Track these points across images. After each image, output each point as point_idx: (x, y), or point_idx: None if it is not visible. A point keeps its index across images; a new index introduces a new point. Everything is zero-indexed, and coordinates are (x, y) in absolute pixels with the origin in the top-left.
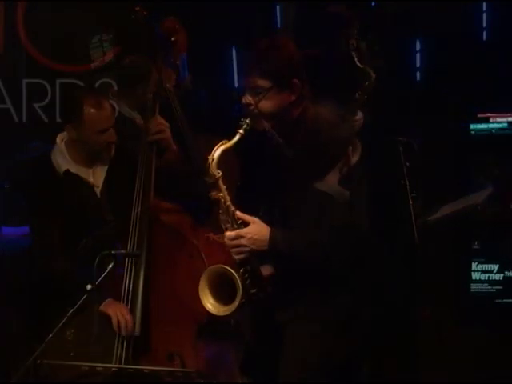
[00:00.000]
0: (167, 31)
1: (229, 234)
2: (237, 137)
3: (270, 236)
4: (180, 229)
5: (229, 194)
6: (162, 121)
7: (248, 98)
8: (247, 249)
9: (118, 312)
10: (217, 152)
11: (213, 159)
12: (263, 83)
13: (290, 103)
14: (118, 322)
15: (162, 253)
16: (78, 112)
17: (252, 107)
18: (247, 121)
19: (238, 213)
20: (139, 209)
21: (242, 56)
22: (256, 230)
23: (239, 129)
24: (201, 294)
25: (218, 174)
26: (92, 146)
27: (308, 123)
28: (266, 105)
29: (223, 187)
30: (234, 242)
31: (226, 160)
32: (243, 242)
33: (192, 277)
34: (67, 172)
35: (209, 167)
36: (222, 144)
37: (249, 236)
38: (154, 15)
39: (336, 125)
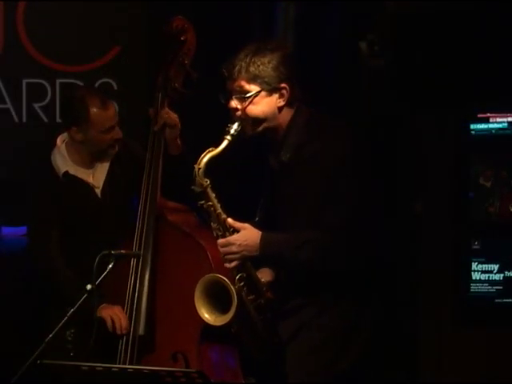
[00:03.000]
0: (176, 30)
1: (219, 241)
2: (224, 143)
3: (261, 240)
4: (186, 229)
5: (219, 202)
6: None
7: (235, 103)
8: (238, 256)
9: (111, 312)
10: (203, 160)
11: (199, 168)
12: (250, 87)
13: (280, 108)
14: (113, 321)
15: (168, 252)
16: (83, 114)
17: (239, 112)
18: (234, 126)
19: (229, 220)
20: (145, 207)
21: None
22: (245, 235)
23: (226, 135)
24: (196, 304)
25: (206, 182)
26: (99, 145)
27: (301, 127)
28: (254, 110)
29: (212, 195)
30: (225, 250)
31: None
32: (233, 249)
33: (197, 277)
34: (66, 174)
35: (196, 176)
36: (209, 151)
37: (238, 243)
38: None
39: (329, 127)
